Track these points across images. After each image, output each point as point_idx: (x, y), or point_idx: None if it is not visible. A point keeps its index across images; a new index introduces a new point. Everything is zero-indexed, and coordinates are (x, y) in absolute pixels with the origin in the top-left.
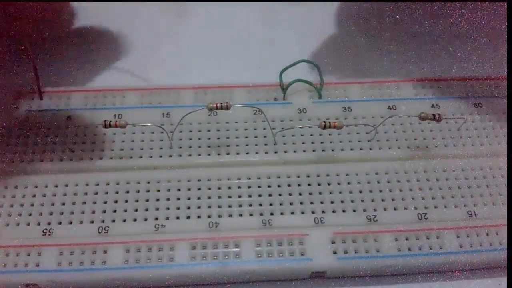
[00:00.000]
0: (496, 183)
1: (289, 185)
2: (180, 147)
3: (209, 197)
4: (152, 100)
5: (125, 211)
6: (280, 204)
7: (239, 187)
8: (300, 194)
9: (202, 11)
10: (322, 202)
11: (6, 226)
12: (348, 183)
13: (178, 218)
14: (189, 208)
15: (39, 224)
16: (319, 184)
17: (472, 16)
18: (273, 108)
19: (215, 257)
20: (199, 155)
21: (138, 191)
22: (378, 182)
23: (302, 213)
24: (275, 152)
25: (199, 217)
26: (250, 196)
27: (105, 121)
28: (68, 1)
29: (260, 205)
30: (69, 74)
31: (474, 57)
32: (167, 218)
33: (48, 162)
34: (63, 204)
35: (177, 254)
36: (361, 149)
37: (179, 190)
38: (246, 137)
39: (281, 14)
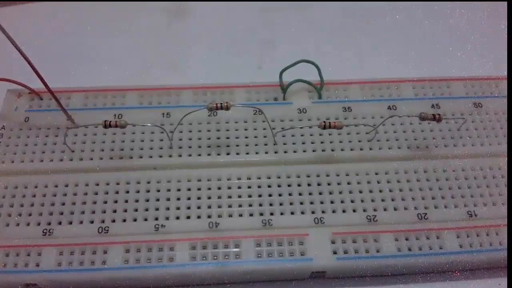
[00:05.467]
0: (496, 183)
1: (289, 185)
2: (180, 147)
3: (209, 197)
4: (152, 100)
5: (125, 211)
6: (280, 204)
7: (239, 187)
8: (300, 194)
9: (202, 11)
10: (322, 202)
11: (6, 226)
12: (348, 183)
13: (178, 218)
14: (189, 208)
15: (39, 224)
16: (319, 184)
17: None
18: (273, 108)
19: (215, 257)
20: (199, 155)
21: (138, 191)
22: (378, 182)
23: (302, 213)
24: (275, 152)
25: (199, 217)
26: (250, 196)
27: (105, 121)
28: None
29: (260, 205)
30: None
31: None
32: (167, 218)
33: (48, 162)
34: (63, 204)
35: (177, 254)
36: (361, 149)
37: (179, 190)
38: (246, 137)
39: (281, 14)
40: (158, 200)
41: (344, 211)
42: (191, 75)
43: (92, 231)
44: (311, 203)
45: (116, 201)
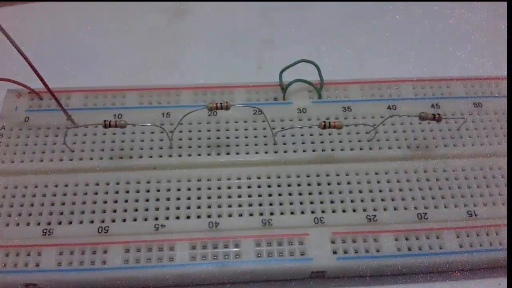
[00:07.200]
0: (496, 183)
1: (289, 185)
2: (180, 147)
3: (209, 197)
4: (152, 100)
5: (125, 211)
6: (280, 204)
7: (239, 187)
8: (300, 194)
9: (202, 11)
10: (322, 202)
11: (6, 226)
12: (348, 183)
13: (178, 218)
14: (189, 208)
15: (39, 224)
16: (319, 184)
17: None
18: (273, 108)
19: (215, 257)
20: (199, 155)
21: (138, 191)
22: (378, 182)
23: (302, 213)
24: (275, 152)
25: (199, 217)
26: (250, 196)
27: (105, 121)
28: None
29: (260, 205)
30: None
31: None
32: (167, 218)
33: (48, 162)
34: (63, 204)
35: (177, 254)
36: (361, 149)
37: (179, 190)
38: (246, 137)
39: (281, 14)
40: (158, 200)
41: (344, 211)
42: (191, 75)
43: (92, 231)
44: (311, 203)
45: (116, 201)
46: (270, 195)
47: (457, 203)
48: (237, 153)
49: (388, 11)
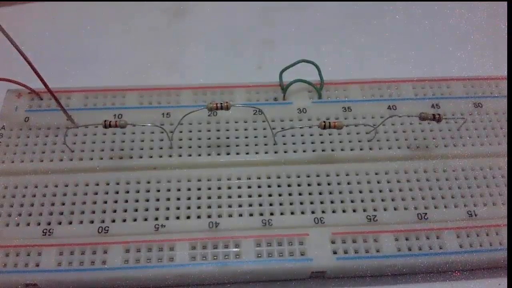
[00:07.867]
0: (496, 183)
1: (289, 185)
2: (180, 147)
3: (209, 197)
4: (152, 100)
5: (125, 211)
6: (280, 204)
7: (239, 187)
8: (300, 194)
9: (202, 11)
10: (322, 202)
11: (6, 226)
12: (348, 183)
13: (178, 218)
14: (189, 208)
15: (39, 224)
16: (319, 184)
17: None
18: (273, 108)
19: (215, 257)
20: (199, 155)
21: (138, 191)
22: (378, 182)
23: (302, 213)
24: (275, 152)
25: (199, 217)
26: (250, 196)
27: (105, 121)
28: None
29: (260, 205)
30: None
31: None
32: (167, 218)
33: (48, 162)
34: (63, 204)
35: (177, 254)
36: (361, 149)
37: (179, 190)
38: (246, 137)
39: (281, 14)
40: (158, 200)
41: (344, 211)
42: (191, 75)
43: (92, 231)
44: (311, 203)
45: (116, 201)
46: (270, 195)
47: (457, 203)
48: (237, 153)
49: (388, 11)
